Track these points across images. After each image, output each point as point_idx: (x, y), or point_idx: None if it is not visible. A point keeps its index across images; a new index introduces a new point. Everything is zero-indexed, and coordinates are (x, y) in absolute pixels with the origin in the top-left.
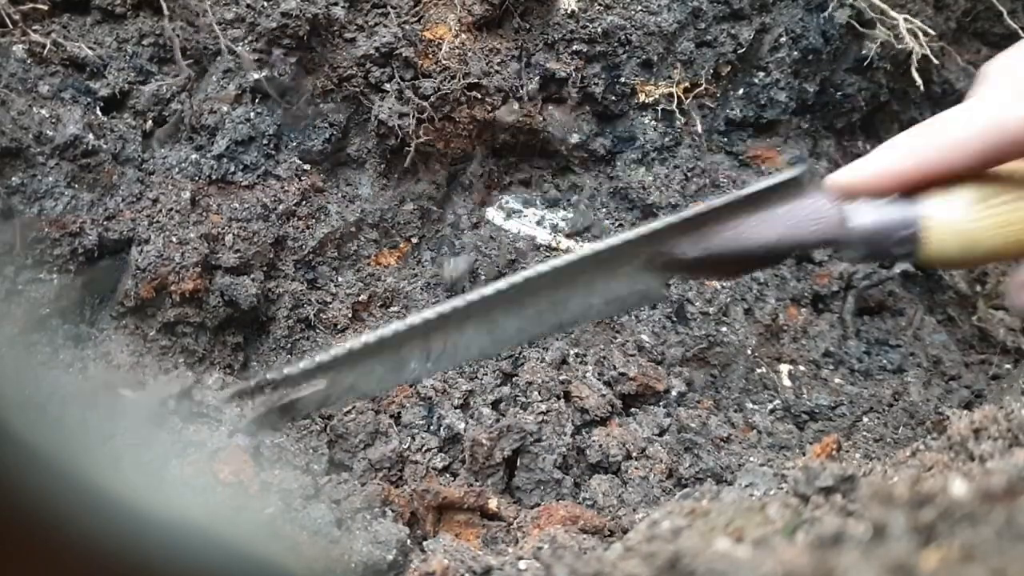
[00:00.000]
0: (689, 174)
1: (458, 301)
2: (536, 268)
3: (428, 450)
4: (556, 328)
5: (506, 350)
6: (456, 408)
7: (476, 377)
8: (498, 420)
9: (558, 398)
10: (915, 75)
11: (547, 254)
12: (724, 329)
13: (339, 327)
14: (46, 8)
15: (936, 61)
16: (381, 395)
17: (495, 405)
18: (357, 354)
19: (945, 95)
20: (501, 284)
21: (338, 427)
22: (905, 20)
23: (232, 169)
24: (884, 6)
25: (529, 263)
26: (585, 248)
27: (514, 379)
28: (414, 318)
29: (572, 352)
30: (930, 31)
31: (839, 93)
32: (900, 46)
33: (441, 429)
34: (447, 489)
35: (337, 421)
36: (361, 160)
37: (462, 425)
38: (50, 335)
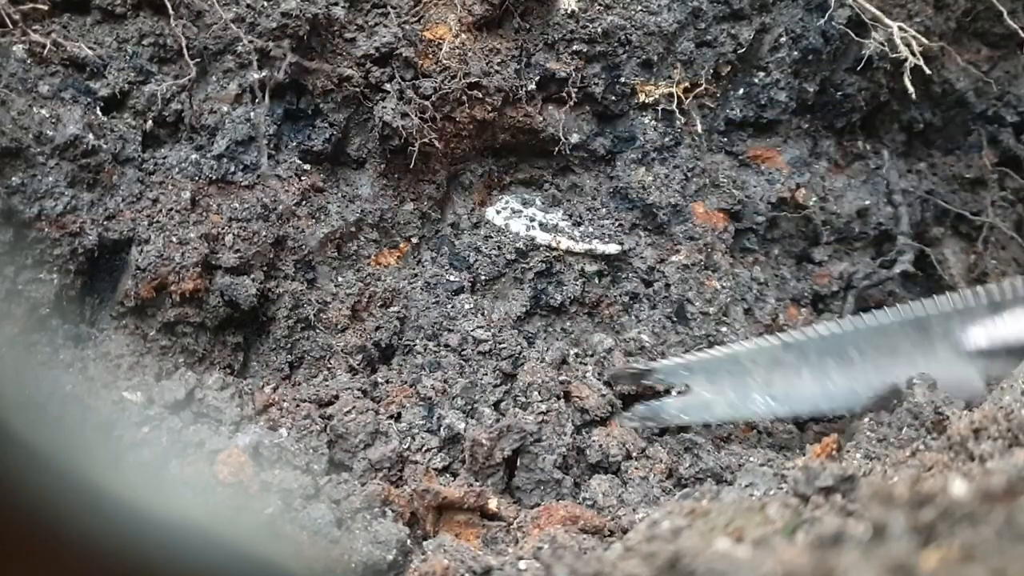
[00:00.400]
0: (689, 174)
1: (797, 334)
2: (870, 320)
3: (428, 450)
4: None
5: (832, 411)
6: (456, 408)
7: (476, 377)
8: (498, 420)
9: (558, 398)
10: (908, 84)
11: (546, 253)
12: (724, 329)
13: (339, 327)
14: (46, 8)
15: (928, 71)
16: (725, 424)
17: (495, 405)
18: (711, 363)
19: (945, 95)
20: (833, 327)
21: (338, 427)
22: (899, 28)
23: (232, 169)
24: (879, 13)
25: (529, 262)
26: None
27: (514, 379)
28: (759, 341)
29: (572, 352)
30: (924, 40)
31: (839, 93)
32: (894, 55)
33: (441, 429)
34: (447, 489)
35: (337, 421)
36: (361, 160)
37: (462, 425)
38: (50, 335)
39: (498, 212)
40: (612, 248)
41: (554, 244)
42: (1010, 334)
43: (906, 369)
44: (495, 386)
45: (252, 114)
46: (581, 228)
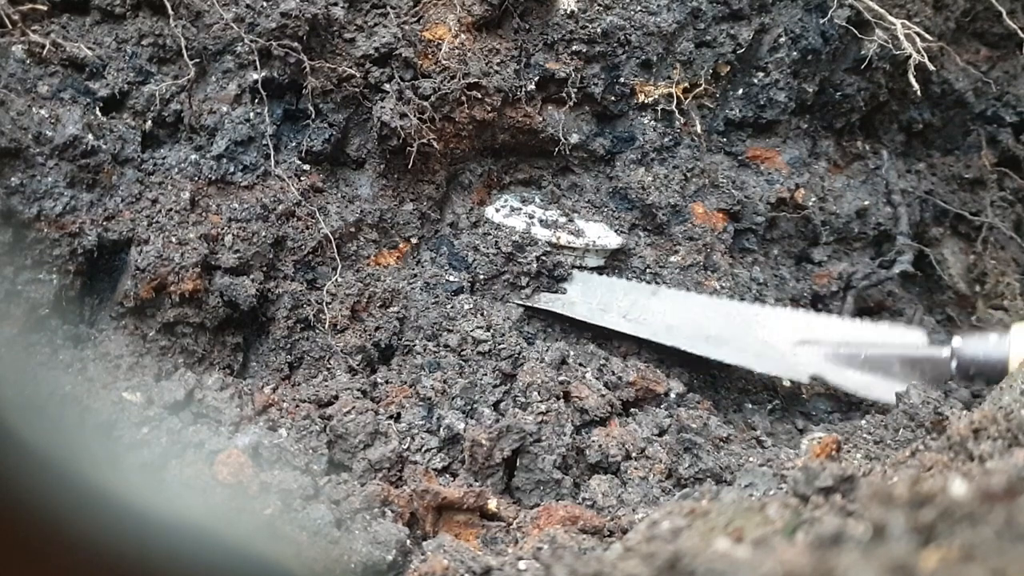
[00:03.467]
0: (688, 174)
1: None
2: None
3: (428, 450)
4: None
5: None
6: (455, 408)
7: (475, 377)
8: (498, 420)
9: (558, 398)
10: (912, 80)
11: (545, 251)
12: None
13: (339, 327)
14: (46, 8)
15: (932, 68)
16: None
17: (495, 405)
18: (592, 279)
19: (944, 95)
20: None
21: (338, 427)
22: (903, 25)
23: (231, 169)
24: (881, 11)
25: (528, 262)
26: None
27: (514, 379)
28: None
29: (571, 353)
30: (927, 36)
31: (838, 93)
32: (897, 52)
33: (440, 429)
34: (447, 490)
35: (337, 421)
36: (361, 160)
37: (461, 425)
38: (49, 335)
39: (497, 210)
40: (613, 242)
41: (554, 240)
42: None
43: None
44: (495, 386)
45: (251, 114)
46: (581, 224)
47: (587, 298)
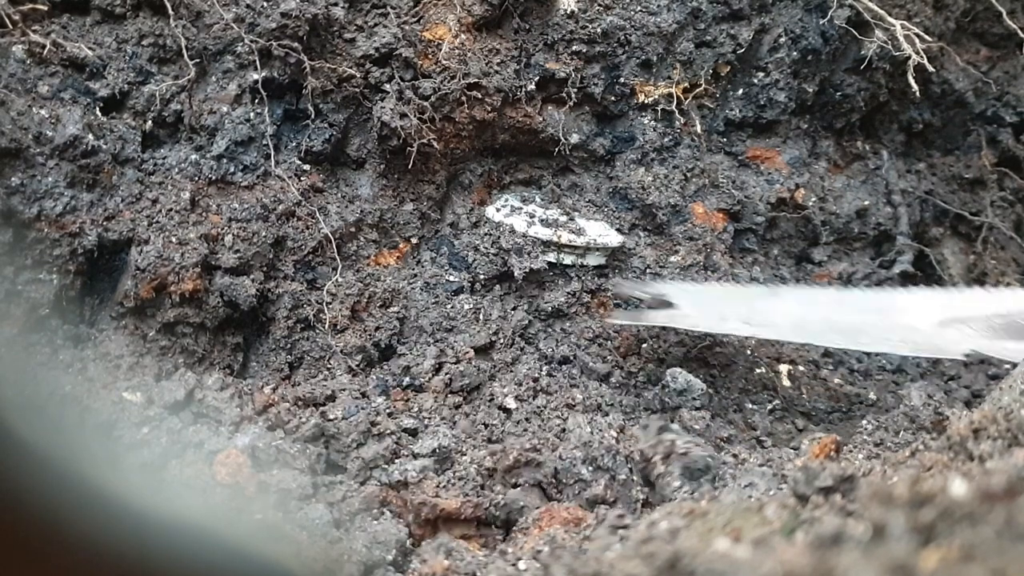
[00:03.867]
0: (688, 174)
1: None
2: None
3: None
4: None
5: (802, 340)
6: (450, 420)
7: (475, 378)
8: (497, 425)
9: (556, 400)
10: (912, 80)
11: (545, 251)
12: None
13: (339, 327)
14: (46, 8)
15: (932, 68)
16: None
17: (493, 410)
18: (697, 289)
19: (944, 95)
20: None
21: (337, 428)
22: (903, 26)
23: (231, 169)
24: (881, 11)
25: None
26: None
27: (513, 379)
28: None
29: (571, 353)
30: (927, 36)
31: (838, 93)
32: (897, 52)
33: (441, 432)
34: (445, 501)
35: (336, 422)
36: (361, 160)
37: (457, 438)
38: (49, 335)
39: (498, 210)
40: (614, 240)
41: (555, 239)
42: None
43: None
44: (494, 386)
45: (252, 114)
46: (582, 223)
47: (700, 309)
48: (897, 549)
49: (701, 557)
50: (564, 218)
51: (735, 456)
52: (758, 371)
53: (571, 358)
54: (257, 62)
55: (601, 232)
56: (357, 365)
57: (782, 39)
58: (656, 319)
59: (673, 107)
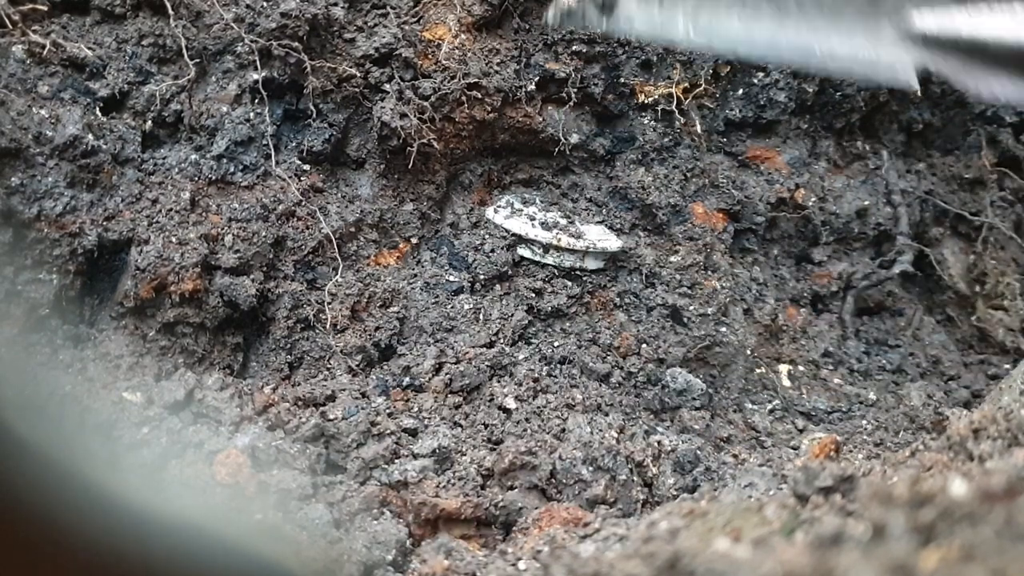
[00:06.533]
0: (688, 174)
1: None
2: None
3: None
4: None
5: (748, 55)
6: (449, 420)
7: (475, 379)
8: (496, 427)
9: (556, 400)
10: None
11: (545, 250)
12: (723, 329)
13: (339, 327)
14: (46, 8)
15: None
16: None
17: (493, 410)
18: None
19: (944, 95)
20: None
21: (337, 428)
22: None
23: (231, 169)
24: None
25: (528, 260)
26: None
27: (513, 379)
28: None
29: (571, 355)
30: None
31: (838, 93)
32: None
33: (440, 432)
34: (445, 502)
35: (336, 422)
36: (361, 160)
37: (457, 439)
38: (49, 335)
39: (497, 211)
40: (613, 244)
41: (554, 242)
42: (965, 26)
43: (843, 36)
44: (493, 386)
45: (252, 114)
46: (581, 226)
47: (645, 7)
48: (897, 549)
49: (701, 557)
50: (564, 221)
51: (735, 456)
52: (758, 371)
53: (571, 358)
54: (257, 62)
55: (600, 236)
56: (357, 365)
57: None
58: (595, 20)
59: (673, 107)
